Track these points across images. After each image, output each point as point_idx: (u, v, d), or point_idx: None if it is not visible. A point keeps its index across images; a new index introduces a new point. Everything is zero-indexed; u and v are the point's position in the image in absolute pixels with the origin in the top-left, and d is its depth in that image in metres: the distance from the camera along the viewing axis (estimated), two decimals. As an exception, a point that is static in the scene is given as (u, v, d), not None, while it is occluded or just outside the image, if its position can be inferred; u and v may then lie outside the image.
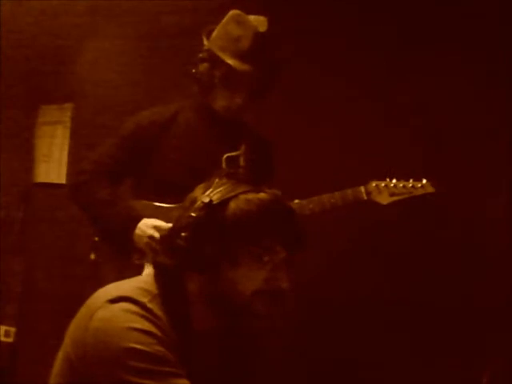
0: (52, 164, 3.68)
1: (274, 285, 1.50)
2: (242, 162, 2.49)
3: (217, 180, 1.54)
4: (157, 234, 2.30)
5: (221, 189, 1.51)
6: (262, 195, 1.51)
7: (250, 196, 1.50)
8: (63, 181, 3.61)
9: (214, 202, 1.48)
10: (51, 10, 3.69)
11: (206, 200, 1.48)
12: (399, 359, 3.08)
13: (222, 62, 2.45)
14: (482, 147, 3.20)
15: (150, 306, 1.45)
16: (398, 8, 3.27)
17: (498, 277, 3.09)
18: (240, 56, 2.44)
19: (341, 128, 3.27)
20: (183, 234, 1.48)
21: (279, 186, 1.61)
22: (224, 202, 1.48)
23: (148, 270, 1.57)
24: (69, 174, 3.57)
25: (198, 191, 1.54)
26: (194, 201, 1.51)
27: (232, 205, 1.48)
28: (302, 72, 3.28)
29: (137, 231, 2.38)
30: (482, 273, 3.12)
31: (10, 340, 3.41)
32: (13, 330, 3.44)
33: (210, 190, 1.51)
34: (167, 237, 1.54)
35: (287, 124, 3.22)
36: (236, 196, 1.50)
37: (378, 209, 2.64)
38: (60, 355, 1.50)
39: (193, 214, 1.48)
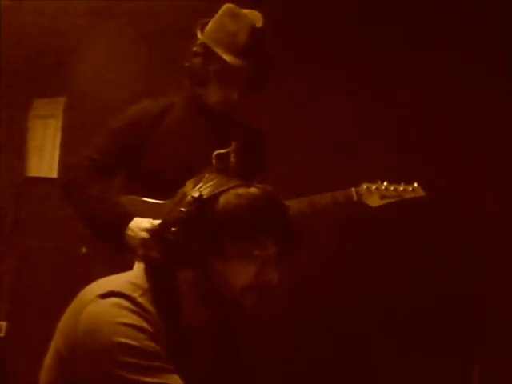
0: (44, 158, 3.68)
1: (264, 280, 1.51)
2: (232, 159, 2.47)
3: (207, 175, 1.54)
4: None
5: (211, 183, 1.51)
6: (252, 190, 1.51)
7: (241, 191, 1.50)
8: (55, 175, 3.60)
9: (204, 197, 1.48)
10: (51, 10, 3.69)
11: (196, 195, 1.48)
12: (393, 356, 3.09)
13: (218, 56, 2.42)
14: (483, 146, 3.20)
15: (140, 300, 1.45)
16: (397, 5, 3.27)
17: (492, 274, 3.10)
18: (236, 51, 2.41)
19: (337, 128, 3.27)
20: (173, 229, 1.48)
21: (272, 185, 1.62)
22: (214, 197, 1.49)
23: (138, 265, 1.57)
24: (60, 170, 3.57)
25: (188, 186, 1.54)
26: (184, 196, 1.51)
27: (222, 199, 1.49)
28: (298, 70, 3.28)
29: (128, 232, 2.36)
30: (476, 269, 3.12)
31: (2, 334, 3.43)
32: (4, 324, 3.45)
33: (200, 184, 1.52)
34: (157, 232, 1.54)
35: (282, 123, 3.22)
36: (226, 191, 1.50)
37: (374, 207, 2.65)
38: (51, 349, 1.51)
39: (183, 209, 1.48)
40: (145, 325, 1.42)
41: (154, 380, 1.38)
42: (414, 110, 3.26)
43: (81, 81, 3.70)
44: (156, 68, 3.65)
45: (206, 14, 2.60)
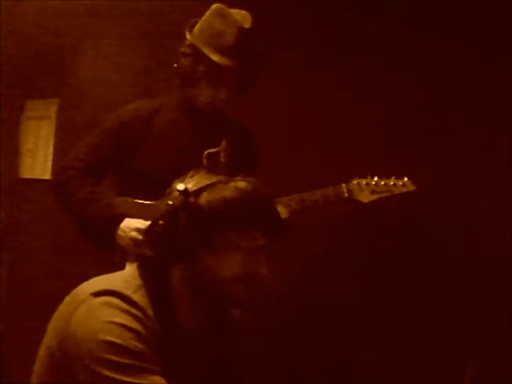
0: (37, 159, 3.67)
1: (253, 269, 1.51)
2: (222, 158, 2.48)
3: (193, 172, 1.57)
4: (139, 237, 2.30)
5: (196, 177, 1.54)
6: (238, 182, 1.53)
7: (226, 184, 1.52)
8: (48, 177, 3.59)
9: (190, 190, 1.50)
10: (51, 10, 3.70)
11: (182, 188, 1.50)
12: (388, 355, 3.08)
13: (206, 57, 2.43)
14: (482, 145, 3.20)
15: (134, 297, 1.46)
16: (395, 4, 3.26)
17: (489, 274, 3.09)
18: (224, 51, 2.42)
19: (327, 126, 3.28)
20: (161, 222, 1.50)
21: (264, 183, 1.61)
22: (200, 190, 1.51)
23: (131, 266, 1.58)
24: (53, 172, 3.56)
25: (175, 183, 1.55)
26: (171, 191, 1.53)
27: (208, 192, 1.51)
28: (292, 67, 3.28)
29: (119, 232, 2.38)
30: (473, 269, 3.12)
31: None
32: (-1, 323, 3.45)
33: (187, 180, 1.54)
34: (147, 228, 1.56)
35: (274, 122, 3.23)
36: (212, 184, 1.52)
37: (371, 205, 2.64)
38: (43, 346, 1.52)
39: (169, 202, 1.50)
40: (134, 325, 1.42)
41: (135, 380, 1.38)
42: (411, 109, 3.26)
43: (81, 80, 3.70)
44: (156, 68, 3.65)
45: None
